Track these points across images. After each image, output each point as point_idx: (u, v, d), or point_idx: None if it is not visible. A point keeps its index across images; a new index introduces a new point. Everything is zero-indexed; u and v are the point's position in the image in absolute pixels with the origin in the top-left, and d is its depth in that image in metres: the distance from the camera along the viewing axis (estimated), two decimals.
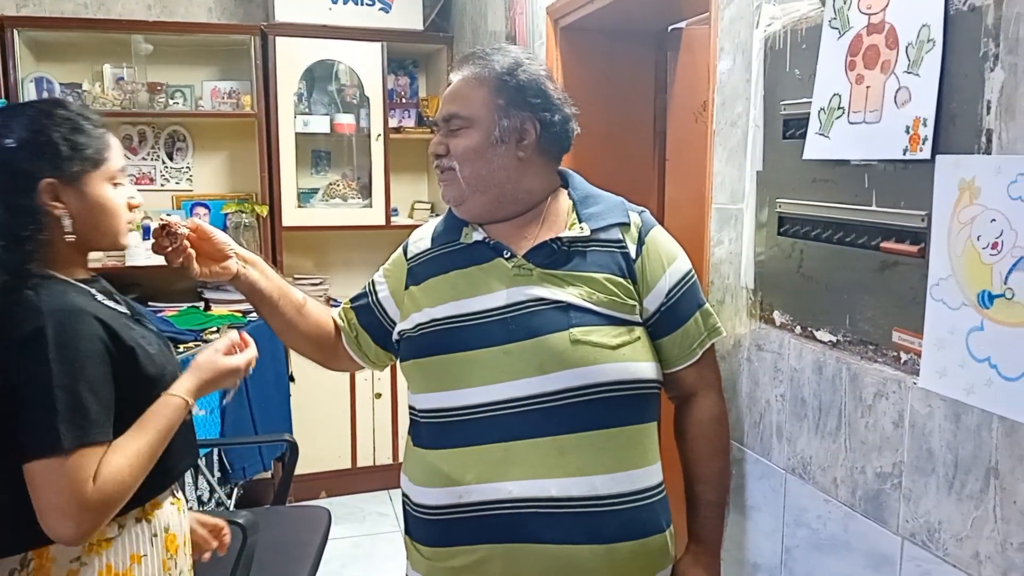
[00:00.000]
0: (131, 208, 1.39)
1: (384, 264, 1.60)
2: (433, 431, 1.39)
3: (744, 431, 1.57)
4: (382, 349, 1.59)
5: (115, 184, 1.35)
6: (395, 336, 1.50)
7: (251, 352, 1.46)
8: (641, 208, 1.48)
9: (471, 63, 1.42)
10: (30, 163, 1.26)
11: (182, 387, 1.34)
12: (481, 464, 1.32)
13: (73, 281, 1.32)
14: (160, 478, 1.34)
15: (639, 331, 1.38)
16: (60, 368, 1.18)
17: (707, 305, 1.46)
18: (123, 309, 1.40)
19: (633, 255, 1.40)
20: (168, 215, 1.45)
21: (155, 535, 1.35)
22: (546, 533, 1.30)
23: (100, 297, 1.35)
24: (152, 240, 1.40)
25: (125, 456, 1.23)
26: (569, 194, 1.47)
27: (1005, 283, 0.99)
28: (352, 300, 1.63)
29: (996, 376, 1.01)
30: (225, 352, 1.43)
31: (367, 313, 1.59)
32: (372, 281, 1.61)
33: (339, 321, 1.62)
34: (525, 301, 1.34)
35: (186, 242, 1.40)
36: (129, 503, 1.27)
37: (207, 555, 1.64)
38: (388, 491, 3.89)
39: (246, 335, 1.48)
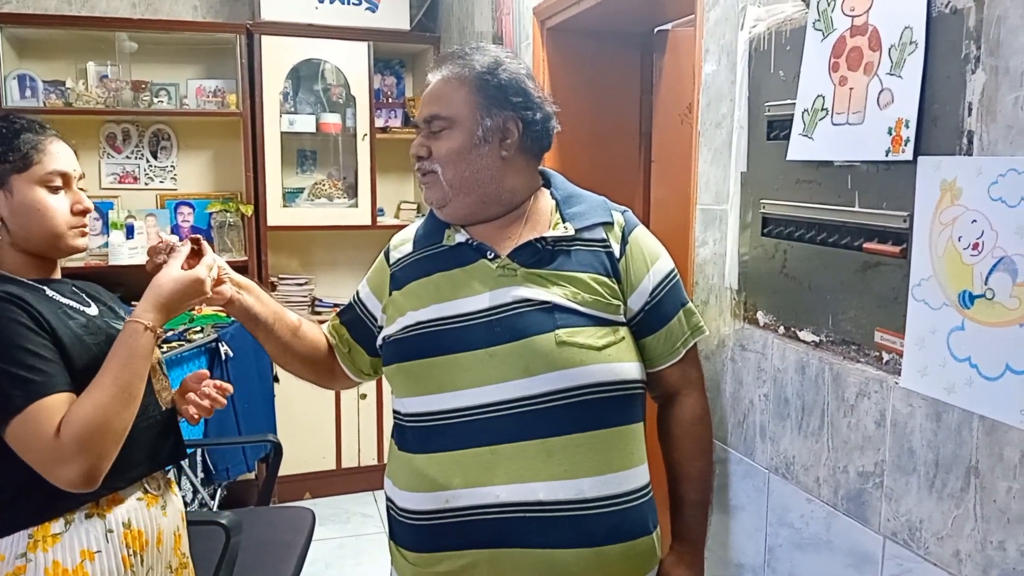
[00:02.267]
0: (76, 213, 1.41)
1: (367, 274, 1.58)
2: (418, 435, 1.37)
3: (728, 431, 1.57)
4: (378, 359, 1.56)
5: (51, 187, 1.38)
6: (379, 341, 1.48)
7: (209, 259, 1.42)
8: (623, 208, 1.48)
9: (450, 63, 1.41)
10: None
11: (139, 310, 1.33)
12: (468, 468, 1.31)
13: (22, 279, 1.37)
14: (117, 473, 1.34)
15: (624, 331, 1.38)
16: None
17: (690, 304, 1.46)
18: (88, 309, 1.44)
19: (617, 254, 1.40)
20: (165, 235, 1.45)
21: (110, 531, 1.34)
22: (534, 537, 1.29)
23: (50, 294, 1.38)
24: (147, 257, 1.42)
25: (89, 395, 1.26)
26: (552, 194, 1.46)
27: (986, 283, 0.99)
28: (340, 315, 1.61)
29: (977, 376, 1.01)
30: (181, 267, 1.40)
31: (359, 326, 1.56)
32: (357, 292, 1.58)
33: (330, 338, 1.60)
34: (510, 303, 1.33)
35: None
36: (84, 496, 1.30)
37: (192, 410, 1.57)
38: (373, 492, 3.88)
39: (203, 242, 1.45)
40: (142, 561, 1.38)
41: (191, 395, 1.56)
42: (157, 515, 1.43)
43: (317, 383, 1.64)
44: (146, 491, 1.43)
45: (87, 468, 1.23)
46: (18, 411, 1.21)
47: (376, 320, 1.53)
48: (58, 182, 1.39)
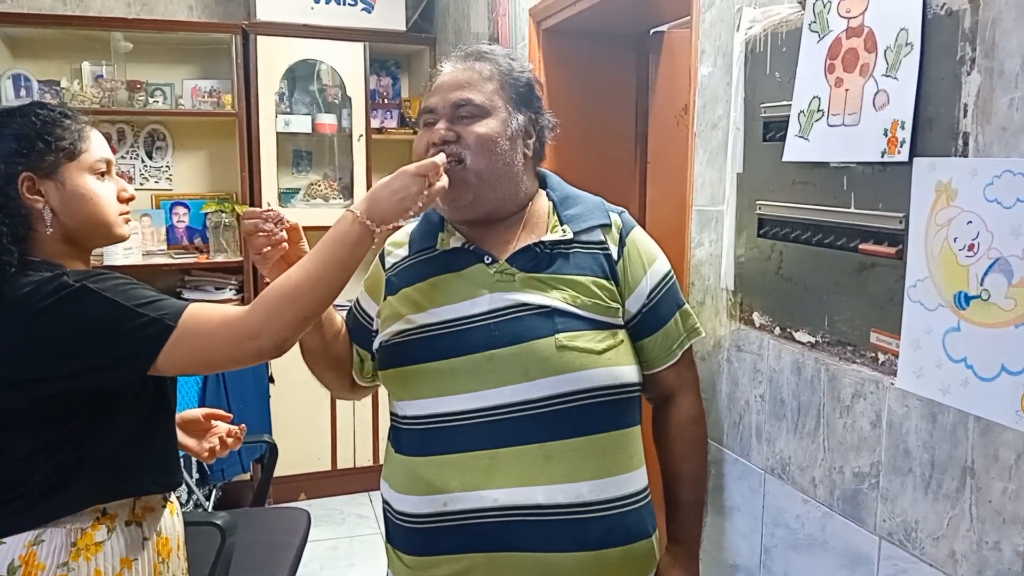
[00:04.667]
0: (122, 200, 1.40)
1: (364, 279, 1.54)
2: (416, 438, 1.36)
3: (724, 432, 1.57)
4: None
5: (98, 175, 1.36)
6: (375, 346, 1.46)
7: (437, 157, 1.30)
8: (620, 208, 1.48)
9: (473, 57, 1.40)
10: (7, 160, 1.29)
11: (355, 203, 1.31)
12: (466, 471, 1.30)
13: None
14: (170, 471, 1.37)
15: (622, 334, 1.37)
16: (111, 289, 1.24)
17: (686, 306, 1.46)
18: None
19: (615, 256, 1.39)
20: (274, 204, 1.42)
21: (146, 538, 1.34)
22: (532, 541, 1.28)
23: None
24: (251, 219, 1.36)
25: (286, 272, 1.27)
26: (548, 195, 1.45)
27: (981, 284, 1.00)
28: (344, 324, 1.55)
29: (972, 376, 1.02)
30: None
31: (362, 333, 1.51)
32: (356, 300, 1.54)
33: None
34: (508, 307, 1.32)
35: (284, 234, 1.38)
36: (127, 490, 1.31)
37: (217, 450, 1.62)
38: (368, 493, 3.87)
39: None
40: (167, 568, 1.39)
41: (223, 438, 1.62)
42: (177, 522, 1.44)
43: (338, 391, 1.59)
44: (165, 498, 1.43)
45: (275, 340, 1.22)
46: (171, 329, 1.22)
47: (373, 324, 1.50)
48: (104, 168, 1.37)
